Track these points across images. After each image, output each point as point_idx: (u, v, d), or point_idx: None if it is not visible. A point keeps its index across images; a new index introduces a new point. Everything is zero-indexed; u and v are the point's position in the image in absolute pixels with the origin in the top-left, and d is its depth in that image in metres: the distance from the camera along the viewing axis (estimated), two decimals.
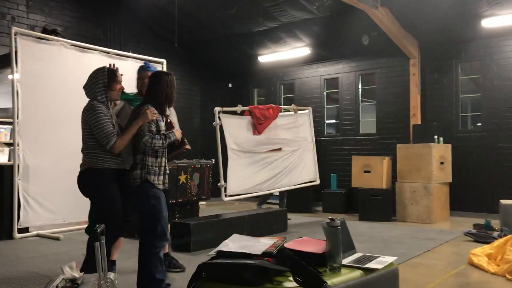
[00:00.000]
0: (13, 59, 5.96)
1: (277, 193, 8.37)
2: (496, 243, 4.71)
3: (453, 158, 7.97)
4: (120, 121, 3.68)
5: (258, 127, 6.65)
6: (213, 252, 2.49)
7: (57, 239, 5.89)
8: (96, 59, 6.85)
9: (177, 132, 3.57)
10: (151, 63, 4.53)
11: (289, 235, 6.09)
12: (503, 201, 6.29)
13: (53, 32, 7.62)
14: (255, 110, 6.71)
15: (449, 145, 7.97)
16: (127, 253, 4.58)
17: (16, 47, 5.99)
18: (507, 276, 4.11)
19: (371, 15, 7.47)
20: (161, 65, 7.76)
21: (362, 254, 2.79)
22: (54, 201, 6.15)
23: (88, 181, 3.42)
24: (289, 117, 7.52)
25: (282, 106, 7.62)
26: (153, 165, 3.36)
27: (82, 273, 2.76)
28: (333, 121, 10.16)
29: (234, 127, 6.39)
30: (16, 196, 5.85)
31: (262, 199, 7.99)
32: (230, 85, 11.48)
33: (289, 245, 2.58)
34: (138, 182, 3.33)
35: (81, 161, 3.49)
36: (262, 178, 6.75)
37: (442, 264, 4.74)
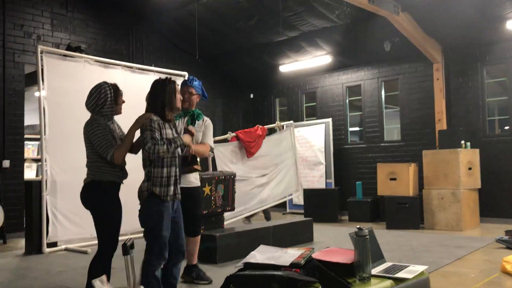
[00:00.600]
0: (39, 76, 6.09)
1: (302, 203, 8.44)
2: None
3: (482, 163, 7.79)
4: None
5: (250, 150, 7.00)
6: (240, 263, 2.47)
7: (85, 252, 5.96)
8: (119, 74, 6.98)
9: (185, 137, 3.41)
10: (193, 77, 4.47)
11: (316, 245, 6.03)
12: None
13: (77, 49, 7.76)
14: (240, 134, 7.07)
15: (477, 150, 7.80)
16: None
17: (42, 65, 6.13)
18: None
19: (392, 21, 7.41)
20: (183, 78, 7.83)
21: (392, 263, 2.73)
22: (81, 216, 6.19)
23: (90, 193, 3.40)
24: (275, 136, 7.99)
25: (267, 126, 7.87)
26: (158, 176, 3.22)
27: (112, 287, 2.77)
28: (357, 128, 10.07)
29: (226, 155, 6.82)
30: (44, 211, 5.94)
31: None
32: (251, 96, 11.52)
33: (316, 255, 2.55)
34: (145, 195, 3.23)
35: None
36: (251, 197, 7.18)
37: (474, 272, 4.62)
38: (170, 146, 3.21)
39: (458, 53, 8.41)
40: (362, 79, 9.65)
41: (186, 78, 4.50)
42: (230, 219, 6.76)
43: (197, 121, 4.28)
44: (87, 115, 3.50)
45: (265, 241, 5.30)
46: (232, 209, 6.57)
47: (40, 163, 6.44)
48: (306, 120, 10.53)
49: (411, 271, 2.57)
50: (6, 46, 7.42)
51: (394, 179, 7.86)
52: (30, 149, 10.37)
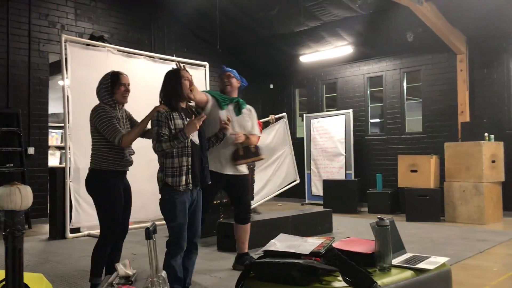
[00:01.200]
0: (63, 65, 6.19)
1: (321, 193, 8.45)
2: None
3: (506, 156, 7.66)
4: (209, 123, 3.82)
5: None
6: (260, 251, 2.50)
7: None
8: (141, 63, 7.03)
9: (188, 126, 3.22)
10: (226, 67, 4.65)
11: (335, 235, 6.03)
12: None
13: (100, 39, 7.88)
14: None
15: (501, 143, 7.66)
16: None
17: (66, 54, 6.22)
18: None
19: (415, 11, 7.29)
20: (203, 68, 7.86)
21: (412, 254, 2.72)
22: None
23: (90, 181, 3.47)
24: (270, 129, 8.07)
25: (262, 120, 7.76)
26: (170, 166, 3.20)
27: (135, 271, 2.82)
28: (377, 120, 9.98)
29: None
30: (68, 198, 6.05)
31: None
32: (271, 86, 11.49)
33: (337, 245, 2.56)
34: (160, 185, 3.27)
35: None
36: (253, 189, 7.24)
37: (497, 266, 4.56)
38: (172, 142, 3.15)
39: (483, 44, 8.24)
40: (383, 70, 9.54)
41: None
42: None
43: (242, 110, 4.35)
44: None
45: (284, 230, 5.27)
46: (251, 198, 6.63)
47: (63, 151, 6.55)
48: (326, 111, 10.47)
49: (432, 262, 2.56)
50: (31, 35, 7.55)
51: (415, 171, 7.78)
52: (54, 137, 10.57)
